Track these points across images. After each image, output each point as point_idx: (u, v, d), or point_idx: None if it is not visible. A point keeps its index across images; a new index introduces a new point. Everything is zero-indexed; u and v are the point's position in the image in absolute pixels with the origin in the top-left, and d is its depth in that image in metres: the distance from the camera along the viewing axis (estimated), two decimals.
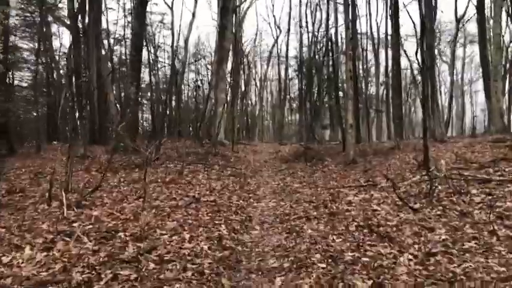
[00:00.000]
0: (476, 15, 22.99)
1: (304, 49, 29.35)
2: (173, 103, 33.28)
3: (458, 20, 31.22)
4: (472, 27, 31.67)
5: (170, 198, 7.03)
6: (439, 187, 6.10)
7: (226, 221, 5.61)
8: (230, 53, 25.29)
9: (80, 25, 18.99)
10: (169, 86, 29.15)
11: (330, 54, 15.92)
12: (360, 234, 4.71)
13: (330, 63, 16.80)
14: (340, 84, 18.14)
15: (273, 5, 63.91)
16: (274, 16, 45.25)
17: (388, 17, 30.45)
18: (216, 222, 5.52)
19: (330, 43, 15.48)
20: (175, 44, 28.77)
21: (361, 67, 29.92)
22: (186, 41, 27.46)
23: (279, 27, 36.71)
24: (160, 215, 5.81)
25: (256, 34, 39.06)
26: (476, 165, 8.98)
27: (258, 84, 45.00)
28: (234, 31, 26.79)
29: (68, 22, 20.24)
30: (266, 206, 6.82)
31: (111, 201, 6.78)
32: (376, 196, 6.59)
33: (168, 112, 32.09)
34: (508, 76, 29.70)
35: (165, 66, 36.40)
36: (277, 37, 36.57)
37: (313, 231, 4.98)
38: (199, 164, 11.44)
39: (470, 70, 44.47)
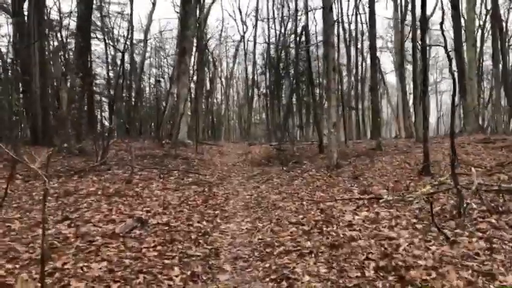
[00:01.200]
0: (450, 10, 22.21)
1: (272, 46, 27.94)
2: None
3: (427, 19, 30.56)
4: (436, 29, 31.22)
5: (107, 220, 5.15)
6: (471, 204, 4.56)
7: (181, 258, 3.85)
8: (194, 46, 23.38)
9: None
10: (125, 81, 26.86)
11: (304, 45, 14.38)
12: (386, 283, 3.09)
13: (304, 55, 15.28)
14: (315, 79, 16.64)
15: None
16: (240, 10, 43.29)
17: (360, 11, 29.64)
18: (167, 261, 3.74)
19: (303, 32, 13.93)
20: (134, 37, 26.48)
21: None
22: (145, 33, 25.21)
23: (245, 23, 34.98)
24: (84, 251, 3.96)
25: (221, 30, 37.21)
26: (483, 170, 7.63)
27: (224, 82, 43.21)
28: (198, 23, 24.89)
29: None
30: (238, 229, 5.08)
31: (20, 226, 4.83)
32: (383, 215, 5.00)
33: (126, 110, 29.75)
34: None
35: (123, 61, 33.87)
36: (244, 33, 34.84)
37: (312, 277, 3.30)
38: (155, 169, 9.54)
39: (434, 71, 44.55)
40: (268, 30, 27.83)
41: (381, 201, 5.65)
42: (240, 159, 13.35)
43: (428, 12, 28.60)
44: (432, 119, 45.88)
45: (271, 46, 27.01)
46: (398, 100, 27.70)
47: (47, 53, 21.47)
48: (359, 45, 29.54)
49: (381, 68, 31.81)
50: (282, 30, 26.47)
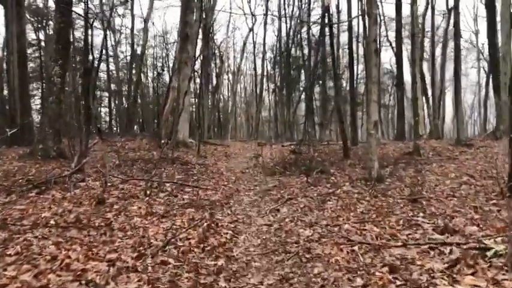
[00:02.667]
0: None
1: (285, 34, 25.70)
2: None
3: (449, 11, 27.89)
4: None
5: None
6: None
7: None
8: (199, 37, 21.26)
9: None
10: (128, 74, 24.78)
11: (327, 29, 12.16)
12: None
13: (327, 41, 13.05)
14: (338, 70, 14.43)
15: None
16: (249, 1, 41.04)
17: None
18: None
19: (327, 13, 11.76)
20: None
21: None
22: (145, 21, 23.07)
23: (254, 14, 32.66)
24: None
25: (228, 21, 35.00)
26: None
27: (231, 77, 41.08)
28: (203, 11, 22.75)
29: None
30: None
31: None
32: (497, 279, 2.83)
33: (126, 105, 27.67)
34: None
35: (124, 54, 31.83)
36: (253, 25, 32.63)
37: None
38: (143, 180, 7.39)
39: (452, 66, 41.81)
40: (280, 20, 25.51)
41: (488, 253, 3.45)
42: (250, 164, 11.18)
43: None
44: (448, 118, 43.27)
45: (284, 34, 24.71)
46: (418, 95, 25.37)
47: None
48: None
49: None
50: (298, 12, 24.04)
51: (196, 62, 21.80)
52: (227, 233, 4.75)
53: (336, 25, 12.89)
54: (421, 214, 5.05)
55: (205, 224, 5.01)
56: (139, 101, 27.50)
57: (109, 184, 6.93)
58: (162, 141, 14.48)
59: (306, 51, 21.60)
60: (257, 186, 7.92)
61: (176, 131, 14.32)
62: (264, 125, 40.10)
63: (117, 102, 32.65)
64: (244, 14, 35.03)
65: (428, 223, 4.65)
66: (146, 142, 16.32)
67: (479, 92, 40.85)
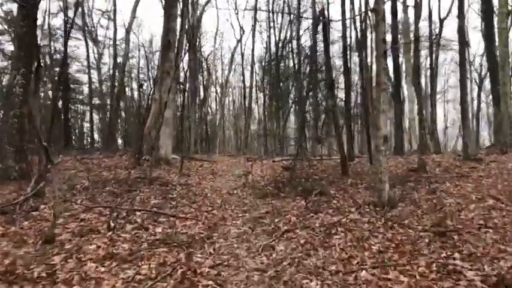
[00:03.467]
0: (481, 4, 19.18)
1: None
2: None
3: (442, 21, 27.34)
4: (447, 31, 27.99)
5: None
6: None
7: None
8: (185, 47, 20.24)
9: None
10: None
11: (322, 36, 11.20)
12: None
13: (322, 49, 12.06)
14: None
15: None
16: (236, 11, 40.18)
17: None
18: None
19: (322, 16, 10.76)
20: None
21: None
22: (127, 30, 21.94)
23: (242, 27, 31.75)
24: None
25: (216, 33, 34.11)
26: None
27: (219, 90, 40.13)
28: (188, 20, 21.82)
29: None
30: None
31: None
32: None
33: (108, 119, 26.32)
34: None
35: (107, 65, 30.57)
36: (241, 37, 31.70)
37: None
38: (110, 207, 6.17)
39: (442, 77, 41.41)
40: (269, 29, 24.64)
41: None
42: (238, 184, 10.02)
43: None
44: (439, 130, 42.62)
45: (273, 44, 23.83)
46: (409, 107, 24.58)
47: None
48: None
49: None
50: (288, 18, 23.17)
51: (182, 74, 20.73)
52: (208, 286, 3.58)
53: (328, 32, 11.86)
54: (457, 254, 3.95)
55: (179, 271, 3.84)
56: (123, 114, 26.21)
57: (67, 214, 5.72)
58: (143, 158, 13.28)
59: (296, 60, 20.73)
60: (246, 212, 6.75)
61: (158, 147, 13.13)
62: (254, 139, 39.04)
63: (100, 116, 31.31)
64: (232, 26, 34.12)
65: (471, 269, 3.55)
66: (126, 159, 15.08)
67: (471, 104, 40.35)
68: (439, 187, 7.53)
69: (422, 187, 7.68)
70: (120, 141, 24.73)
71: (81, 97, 31.55)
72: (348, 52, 14.73)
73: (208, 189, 9.02)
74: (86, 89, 28.70)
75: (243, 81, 33.38)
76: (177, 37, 14.55)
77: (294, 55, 21.67)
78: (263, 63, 27.51)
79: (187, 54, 25.80)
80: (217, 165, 15.21)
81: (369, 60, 16.33)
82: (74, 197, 7.04)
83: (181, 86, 20.03)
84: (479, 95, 34.19)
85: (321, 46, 14.85)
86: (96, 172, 10.66)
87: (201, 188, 9.19)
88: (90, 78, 28.42)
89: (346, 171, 10.43)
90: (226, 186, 9.69)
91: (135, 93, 31.81)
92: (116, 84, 22.78)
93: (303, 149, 11.38)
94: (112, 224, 5.22)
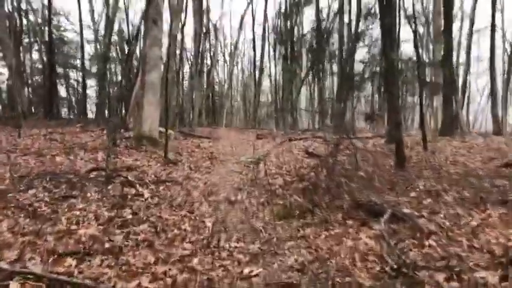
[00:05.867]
0: None
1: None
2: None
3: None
4: None
5: None
6: None
7: None
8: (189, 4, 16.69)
9: None
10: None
11: None
12: None
13: None
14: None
15: None
16: None
17: None
18: None
19: None
20: None
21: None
22: None
23: None
24: None
25: None
26: None
27: (228, 57, 36.60)
28: None
29: None
30: None
31: None
32: None
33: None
34: None
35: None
36: None
37: None
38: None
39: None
40: None
41: None
42: (245, 179, 6.79)
43: None
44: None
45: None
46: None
47: None
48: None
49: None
50: None
51: (189, 39, 17.24)
52: None
53: None
54: None
55: None
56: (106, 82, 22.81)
57: None
58: (119, 137, 10.11)
59: None
60: (259, 258, 3.49)
61: (140, 120, 9.91)
62: (263, 112, 35.70)
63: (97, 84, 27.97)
64: None
65: None
66: (105, 134, 11.93)
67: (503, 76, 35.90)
68: None
69: None
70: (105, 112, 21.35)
71: (75, 62, 28.19)
72: None
73: (197, 192, 5.80)
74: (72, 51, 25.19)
75: (254, 47, 29.85)
76: None
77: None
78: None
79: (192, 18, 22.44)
80: (219, 145, 12.00)
81: None
82: None
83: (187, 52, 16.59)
84: (510, 64, 29.67)
85: None
86: (40, 159, 7.47)
87: (187, 189, 5.97)
88: (82, 39, 24.92)
89: (403, 163, 7.12)
90: (227, 184, 6.46)
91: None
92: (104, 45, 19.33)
93: (346, 127, 8.00)
94: None
